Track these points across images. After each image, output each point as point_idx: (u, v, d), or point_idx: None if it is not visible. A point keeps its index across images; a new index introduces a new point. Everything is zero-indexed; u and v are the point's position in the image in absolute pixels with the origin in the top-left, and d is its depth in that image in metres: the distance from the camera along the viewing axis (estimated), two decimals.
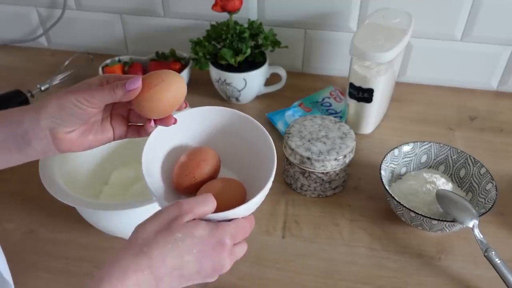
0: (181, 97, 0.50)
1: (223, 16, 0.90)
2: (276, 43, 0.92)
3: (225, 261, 0.45)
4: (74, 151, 0.51)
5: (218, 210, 0.45)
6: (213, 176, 0.53)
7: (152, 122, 0.52)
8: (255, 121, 0.54)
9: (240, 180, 0.54)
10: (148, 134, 0.54)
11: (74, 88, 0.49)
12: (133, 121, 0.55)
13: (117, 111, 0.55)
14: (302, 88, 1.01)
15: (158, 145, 0.53)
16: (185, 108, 0.53)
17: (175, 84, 0.49)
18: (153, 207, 0.60)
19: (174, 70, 1.00)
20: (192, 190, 0.52)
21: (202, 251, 0.43)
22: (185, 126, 0.54)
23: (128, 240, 0.42)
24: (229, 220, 0.46)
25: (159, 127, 0.52)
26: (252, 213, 0.49)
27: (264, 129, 0.54)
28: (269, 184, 0.48)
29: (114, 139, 0.54)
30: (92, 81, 0.51)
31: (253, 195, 0.47)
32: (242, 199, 0.50)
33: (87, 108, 0.48)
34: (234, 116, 0.55)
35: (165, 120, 0.52)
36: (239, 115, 0.54)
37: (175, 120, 0.52)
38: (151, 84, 0.48)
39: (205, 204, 0.44)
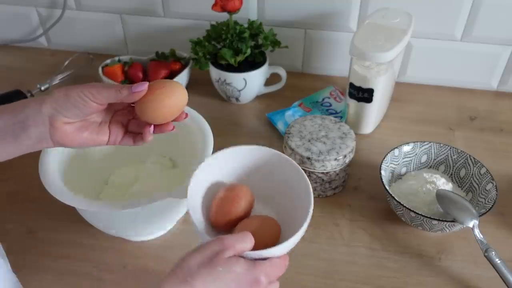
0: (182, 105, 0.53)
1: (223, 16, 0.90)
2: (276, 43, 0.92)
3: None
4: (66, 145, 0.53)
5: (254, 247, 0.47)
6: (247, 212, 0.55)
7: (152, 128, 0.54)
8: (293, 161, 0.57)
9: (275, 217, 0.56)
10: (144, 141, 0.56)
11: (81, 84, 0.52)
12: (132, 130, 0.57)
13: (118, 118, 0.56)
14: (302, 88, 1.01)
15: (200, 182, 0.55)
16: (185, 118, 0.55)
17: (177, 92, 0.52)
18: (153, 207, 0.60)
19: (174, 70, 1.02)
20: (229, 226, 0.54)
21: (239, 286, 0.45)
22: (225, 163, 0.57)
23: (172, 269, 0.45)
24: (265, 259, 0.48)
25: (202, 166, 0.55)
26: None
27: (302, 170, 0.56)
28: (305, 226, 0.50)
29: (107, 143, 0.56)
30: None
31: (288, 233, 0.49)
32: (277, 237, 0.52)
33: (90, 102, 0.50)
34: (273, 155, 0.57)
35: (164, 127, 0.54)
36: (278, 155, 0.57)
37: (173, 127, 0.55)
38: (154, 89, 0.51)
39: (244, 242, 0.46)
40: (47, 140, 0.52)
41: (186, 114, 0.55)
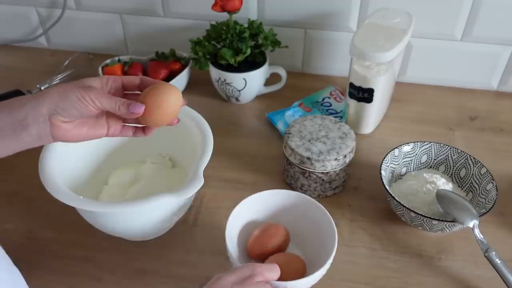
0: (179, 106, 0.56)
1: (223, 16, 0.90)
2: (276, 43, 0.92)
3: None
4: (67, 140, 0.55)
5: (280, 279, 0.53)
6: (282, 247, 0.63)
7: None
8: (320, 204, 0.63)
9: (302, 255, 0.63)
10: (145, 135, 0.59)
11: (82, 83, 0.53)
12: (128, 122, 0.59)
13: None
14: (302, 88, 1.01)
15: (237, 218, 0.63)
16: (176, 123, 0.59)
17: (173, 95, 0.55)
18: (153, 207, 0.60)
19: (174, 70, 1.02)
20: (262, 257, 0.62)
21: None
22: (259, 205, 0.65)
23: (208, 284, 0.50)
24: None
25: (241, 204, 0.63)
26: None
27: (328, 213, 0.62)
28: (327, 265, 0.56)
29: (107, 135, 0.58)
30: (92, 83, 0.54)
31: (312, 270, 0.56)
32: (302, 273, 0.58)
33: (89, 106, 0.52)
34: (301, 199, 0.64)
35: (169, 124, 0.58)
36: (306, 199, 0.64)
37: (178, 120, 0.59)
38: (152, 105, 0.54)
39: (272, 271, 0.53)
40: (47, 137, 0.53)
41: (178, 120, 0.59)
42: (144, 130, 0.59)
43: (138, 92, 0.58)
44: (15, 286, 0.49)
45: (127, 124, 0.59)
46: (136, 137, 0.60)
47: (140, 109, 0.53)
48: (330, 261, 0.57)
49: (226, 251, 0.60)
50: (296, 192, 0.65)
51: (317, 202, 0.63)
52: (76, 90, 0.51)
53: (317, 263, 0.57)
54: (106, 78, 0.56)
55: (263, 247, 0.61)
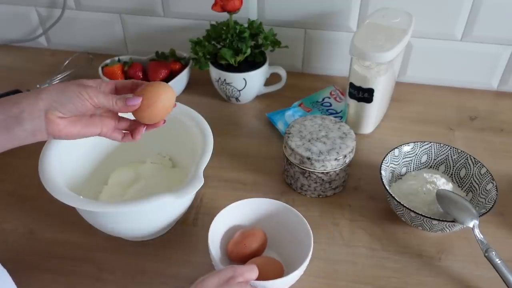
0: (172, 103, 0.59)
1: (223, 16, 0.90)
2: (276, 43, 0.92)
3: None
4: (60, 137, 0.55)
5: (260, 280, 0.57)
6: (260, 250, 0.65)
7: (144, 129, 0.61)
8: (298, 213, 0.66)
9: (280, 258, 0.66)
10: (133, 140, 0.61)
11: (79, 82, 0.55)
12: (120, 127, 0.61)
13: (109, 113, 0.60)
14: (302, 88, 1.01)
15: (219, 224, 0.66)
16: (162, 124, 0.61)
17: (167, 92, 0.58)
18: (153, 207, 0.60)
19: (174, 70, 1.02)
20: (242, 259, 0.64)
21: None
22: (241, 211, 0.67)
23: None
24: None
25: (222, 212, 0.65)
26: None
27: (305, 220, 0.64)
28: (303, 267, 0.60)
29: (100, 134, 0.59)
30: (89, 82, 0.57)
31: (290, 272, 0.59)
32: (279, 274, 0.61)
33: (86, 102, 0.53)
34: (280, 207, 0.67)
35: (156, 125, 0.60)
36: (285, 207, 0.67)
37: (164, 121, 0.61)
38: (149, 100, 0.56)
39: (252, 271, 0.55)
40: (42, 132, 0.53)
41: (164, 121, 0.61)
42: (132, 134, 0.61)
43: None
44: (2, 286, 0.49)
45: (118, 128, 0.61)
46: (117, 141, 0.61)
47: (137, 101, 0.55)
48: (306, 263, 0.60)
49: (209, 255, 0.62)
50: (277, 201, 0.68)
51: (296, 211, 0.66)
52: (75, 87, 0.54)
53: (295, 265, 0.60)
54: (100, 81, 0.59)
55: (242, 249, 0.64)
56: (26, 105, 0.52)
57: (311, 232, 0.63)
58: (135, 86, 0.60)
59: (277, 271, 0.62)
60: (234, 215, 0.67)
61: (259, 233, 0.66)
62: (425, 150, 0.78)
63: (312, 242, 0.62)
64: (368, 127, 0.89)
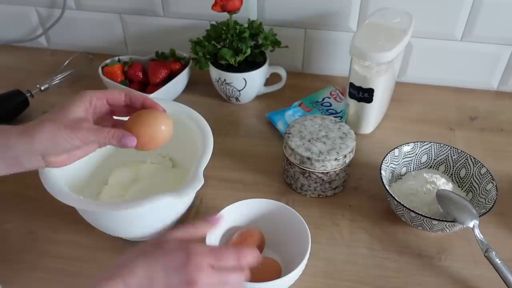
0: (168, 137, 0.57)
1: (223, 16, 0.90)
2: (276, 43, 0.92)
3: None
4: (63, 166, 0.57)
5: (257, 281, 0.56)
6: (258, 250, 0.63)
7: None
8: (296, 213, 0.66)
9: (279, 258, 0.66)
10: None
11: (67, 118, 0.53)
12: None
13: (104, 124, 0.58)
14: (302, 88, 1.01)
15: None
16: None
17: (166, 129, 0.56)
18: (153, 207, 0.60)
19: (174, 70, 1.01)
20: None
21: None
22: (240, 212, 0.68)
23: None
24: None
25: (222, 212, 0.65)
26: None
27: (303, 219, 0.65)
28: (300, 268, 0.59)
29: (99, 147, 0.58)
30: (77, 113, 0.54)
31: (288, 272, 0.59)
32: (277, 276, 0.61)
33: (79, 144, 0.53)
34: (279, 207, 0.67)
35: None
36: (283, 207, 0.67)
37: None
38: (144, 139, 0.55)
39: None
40: (43, 168, 0.57)
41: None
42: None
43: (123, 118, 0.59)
44: None
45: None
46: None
47: (133, 143, 0.54)
48: (304, 263, 0.60)
49: None
50: (276, 201, 0.68)
51: (294, 211, 0.66)
52: (64, 132, 0.52)
53: (293, 266, 0.60)
54: (89, 96, 0.56)
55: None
56: (21, 152, 0.53)
57: (309, 232, 0.63)
58: (129, 99, 0.58)
59: (275, 272, 0.62)
60: (232, 216, 0.67)
61: (256, 233, 0.66)
62: (425, 150, 0.78)
63: (310, 242, 0.62)
64: (368, 127, 0.89)
